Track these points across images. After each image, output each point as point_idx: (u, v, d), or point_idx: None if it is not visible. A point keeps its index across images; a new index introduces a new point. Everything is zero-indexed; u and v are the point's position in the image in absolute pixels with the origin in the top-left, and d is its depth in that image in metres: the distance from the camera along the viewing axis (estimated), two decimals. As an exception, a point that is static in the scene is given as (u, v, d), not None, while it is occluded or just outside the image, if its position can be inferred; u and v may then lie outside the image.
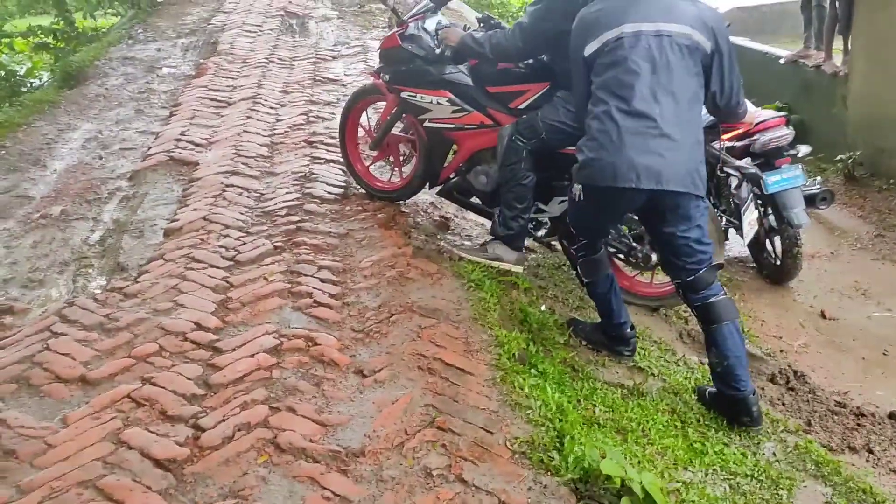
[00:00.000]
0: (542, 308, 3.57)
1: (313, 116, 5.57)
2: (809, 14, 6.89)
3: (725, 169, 3.74)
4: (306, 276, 3.35)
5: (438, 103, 3.60)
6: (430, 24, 3.73)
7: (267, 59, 7.11)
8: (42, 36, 10.32)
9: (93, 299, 3.17)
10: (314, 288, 3.24)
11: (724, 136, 3.58)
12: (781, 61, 7.34)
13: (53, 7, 10.99)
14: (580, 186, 2.79)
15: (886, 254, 4.90)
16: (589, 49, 2.75)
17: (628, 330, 3.23)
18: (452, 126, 3.64)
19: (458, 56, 3.58)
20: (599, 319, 3.30)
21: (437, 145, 3.85)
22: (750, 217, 3.94)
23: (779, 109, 7.16)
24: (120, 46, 7.55)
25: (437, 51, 3.63)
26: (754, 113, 3.43)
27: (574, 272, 3.38)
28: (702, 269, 2.80)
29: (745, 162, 3.90)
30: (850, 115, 6.29)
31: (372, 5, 9.75)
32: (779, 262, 4.48)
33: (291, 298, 3.17)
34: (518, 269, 3.58)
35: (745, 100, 3.04)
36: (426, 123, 3.71)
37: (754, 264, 4.74)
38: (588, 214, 2.98)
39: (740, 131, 3.52)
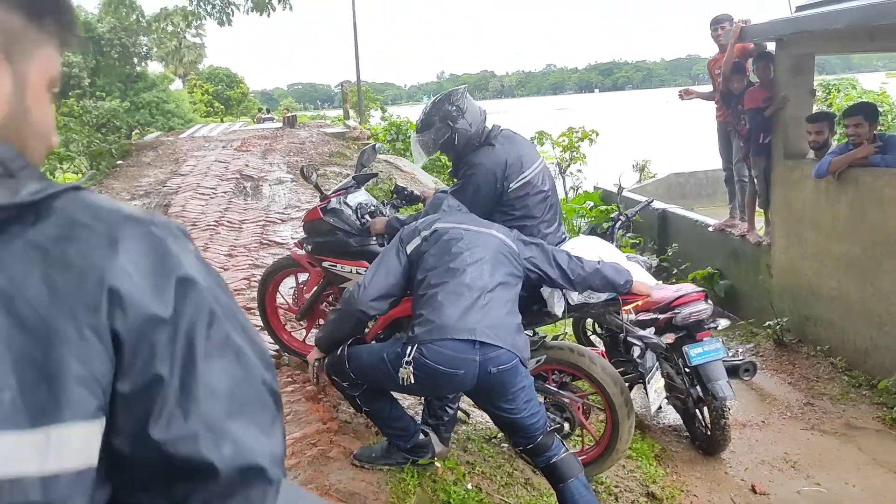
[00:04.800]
0: (469, 486, 3.50)
1: (255, 281, 5.64)
2: (733, 187, 7.37)
3: (629, 338, 3.87)
4: None
5: (357, 272, 3.74)
6: (353, 199, 3.94)
7: (217, 221, 7.28)
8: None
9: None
10: None
11: (628, 307, 3.75)
12: (710, 229, 7.75)
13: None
14: (410, 369, 2.80)
15: (815, 423, 4.96)
16: (410, 247, 3.06)
17: (422, 436, 3.30)
18: None
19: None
20: (387, 442, 3.31)
21: None
22: (656, 385, 4.03)
23: (710, 275, 7.51)
24: (72, 207, 7.67)
25: (359, 223, 3.82)
26: (648, 283, 3.65)
27: (349, 399, 3.29)
28: (537, 436, 2.95)
29: (649, 332, 4.05)
30: (775, 284, 6.59)
31: (327, 168, 10.18)
32: (709, 433, 4.51)
33: None
34: (438, 464, 3.53)
35: (641, 272, 3.26)
36: None
37: (688, 434, 4.76)
38: (413, 388, 2.99)
39: (640, 303, 3.73)
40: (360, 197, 4.06)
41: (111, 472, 0.64)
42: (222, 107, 45.36)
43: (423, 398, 3.62)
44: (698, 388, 4.40)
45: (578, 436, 3.90)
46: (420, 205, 4.23)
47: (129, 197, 8.21)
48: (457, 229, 3.05)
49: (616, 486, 3.92)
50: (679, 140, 25.59)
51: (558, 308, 3.60)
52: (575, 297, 3.61)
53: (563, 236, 3.90)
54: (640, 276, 3.74)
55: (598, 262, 3.40)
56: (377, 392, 3.13)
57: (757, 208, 7.03)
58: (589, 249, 3.76)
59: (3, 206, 0.62)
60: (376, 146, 4.44)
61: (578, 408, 3.74)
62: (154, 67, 37.32)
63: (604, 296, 3.59)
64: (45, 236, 0.63)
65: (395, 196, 4.30)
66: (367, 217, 3.94)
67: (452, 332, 2.76)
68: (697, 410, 4.57)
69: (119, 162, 10.12)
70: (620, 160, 15.29)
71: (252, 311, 5.07)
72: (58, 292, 0.61)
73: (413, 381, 2.79)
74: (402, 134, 15.41)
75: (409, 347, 2.79)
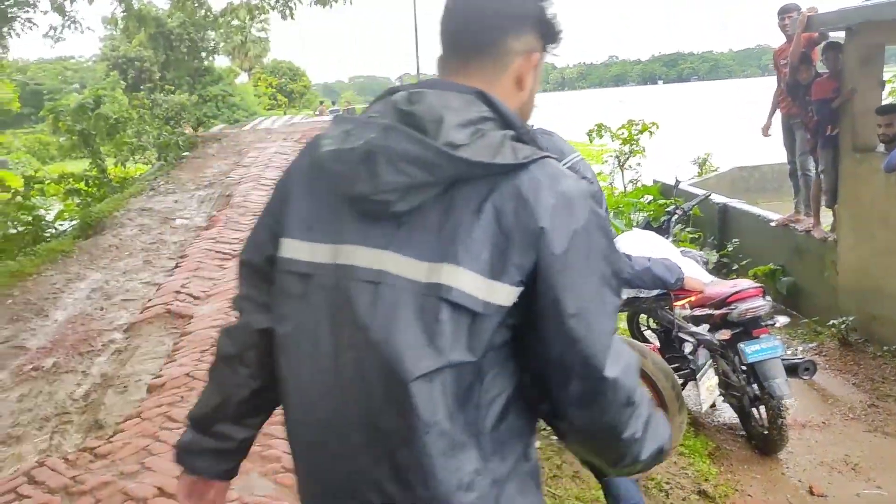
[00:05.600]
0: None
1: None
2: (797, 181, 7.15)
3: (680, 334, 3.80)
4: (279, 438, 3.37)
5: None
6: None
7: (277, 212, 7.45)
8: (74, 182, 10.95)
9: (63, 459, 3.21)
10: (284, 452, 3.25)
11: (681, 303, 3.71)
12: (773, 224, 7.54)
13: (89, 155, 11.72)
14: None
15: (879, 425, 4.80)
16: None
17: None
18: None
19: None
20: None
21: None
22: (708, 383, 3.96)
23: (772, 272, 7.31)
24: (140, 197, 7.98)
25: None
26: (701, 279, 3.61)
27: None
28: None
29: (703, 328, 3.99)
30: (840, 281, 6.37)
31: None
32: (766, 432, 4.42)
33: (260, 463, 3.18)
34: None
35: (695, 267, 3.22)
36: None
37: (744, 433, 4.67)
38: None
39: (693, 298, 3.68)
40: None
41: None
42: (286, 100, 46.24)
43: None
44: (755, 386, 4.31)
45: (629, 431, 3.88)
46: None
47: (193, 187, 8.48)
48: None
49: (667, 483, 3.89)
50: (744, 133, 24.87)
51: None
52: (624, 293, 3.60)
53: None
54: (694, 271, 3.70)
55: (649, 259, 3.37)
56: None
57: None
58: (641, 243, 3.73)
59: (511, 164, 1.07)
60: None
61: None
62: (221, 62, 38.26)
63: (654, 290, 3.56)
64: (522, 182, 1.07)
65: None
66: None
67: None
68: (754, 409, 4.47)
69: (185, 153, 10.47)
70: (681, 153, 14.97)
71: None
72: (518, 217, 1.05)
73: None
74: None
75: None
